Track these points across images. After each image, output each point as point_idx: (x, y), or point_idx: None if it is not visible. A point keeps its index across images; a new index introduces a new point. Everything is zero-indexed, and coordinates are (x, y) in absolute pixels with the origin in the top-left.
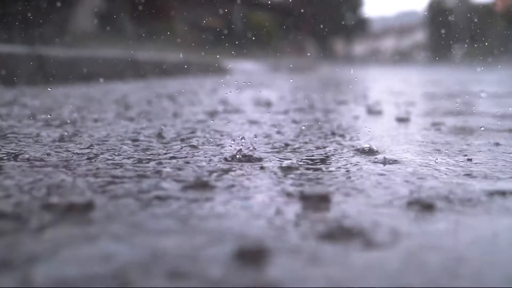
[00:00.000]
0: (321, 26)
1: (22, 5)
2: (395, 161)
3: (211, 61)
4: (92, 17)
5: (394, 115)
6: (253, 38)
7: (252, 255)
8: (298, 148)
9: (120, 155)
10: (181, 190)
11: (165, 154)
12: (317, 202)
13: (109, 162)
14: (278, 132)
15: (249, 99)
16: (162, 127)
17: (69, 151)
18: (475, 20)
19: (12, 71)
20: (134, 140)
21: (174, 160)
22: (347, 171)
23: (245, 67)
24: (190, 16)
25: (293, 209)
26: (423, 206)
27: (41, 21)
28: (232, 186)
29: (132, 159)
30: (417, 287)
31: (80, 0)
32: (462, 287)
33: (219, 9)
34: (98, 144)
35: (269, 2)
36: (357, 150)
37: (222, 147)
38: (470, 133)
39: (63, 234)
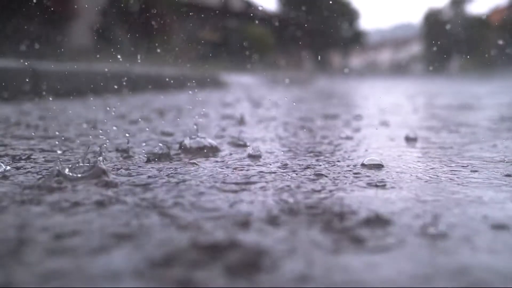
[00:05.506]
0: (318, 39)
1: (17, 19)
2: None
3: (208, 75)
4: (89, 32)
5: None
6: (250, 52)
7: None
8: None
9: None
10: None
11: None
12: None
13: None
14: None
15: (249, 113)
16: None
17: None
18: (471, 32)
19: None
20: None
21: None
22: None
23: (242, 81)
24: (187, 30)
25: None
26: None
27: (35, 35)
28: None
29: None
30: (416, 287)
31: (76, 15)
32: (460, 287)
33: (216, 23)
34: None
35: (266, 16)
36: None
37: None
38: None
39: None
